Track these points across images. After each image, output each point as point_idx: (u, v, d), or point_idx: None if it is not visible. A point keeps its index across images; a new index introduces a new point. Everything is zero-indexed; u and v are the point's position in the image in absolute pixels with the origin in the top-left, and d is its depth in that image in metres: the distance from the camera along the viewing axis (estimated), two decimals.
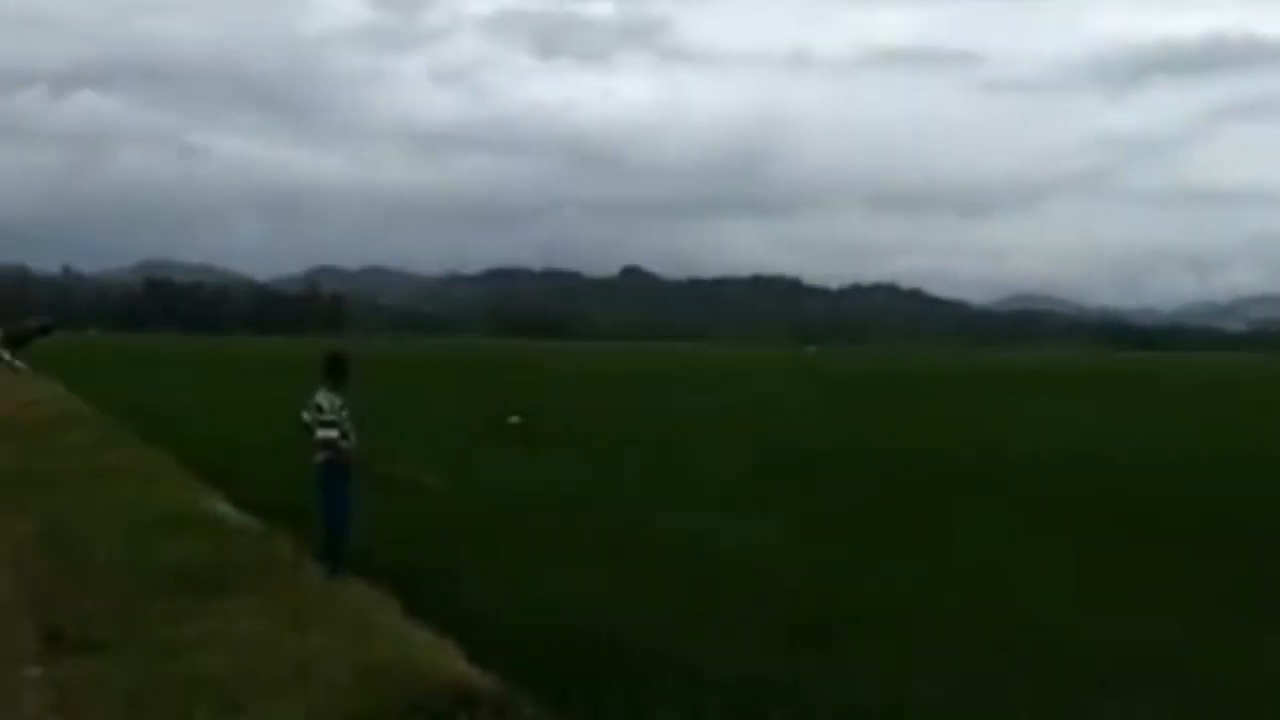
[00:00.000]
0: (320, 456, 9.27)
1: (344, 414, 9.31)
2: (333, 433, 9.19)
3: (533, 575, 8.75)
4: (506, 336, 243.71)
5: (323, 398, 9.32)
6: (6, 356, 30.72)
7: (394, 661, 6.12)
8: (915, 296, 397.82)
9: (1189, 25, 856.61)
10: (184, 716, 5.65)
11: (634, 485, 14.29)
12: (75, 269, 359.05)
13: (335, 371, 9.50)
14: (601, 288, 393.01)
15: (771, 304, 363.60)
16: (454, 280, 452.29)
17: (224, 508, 11.90)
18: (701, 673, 6.55)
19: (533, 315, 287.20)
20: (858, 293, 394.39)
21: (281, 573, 8.78)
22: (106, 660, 6.75)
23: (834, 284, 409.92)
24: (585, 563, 9.40)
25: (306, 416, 9.50)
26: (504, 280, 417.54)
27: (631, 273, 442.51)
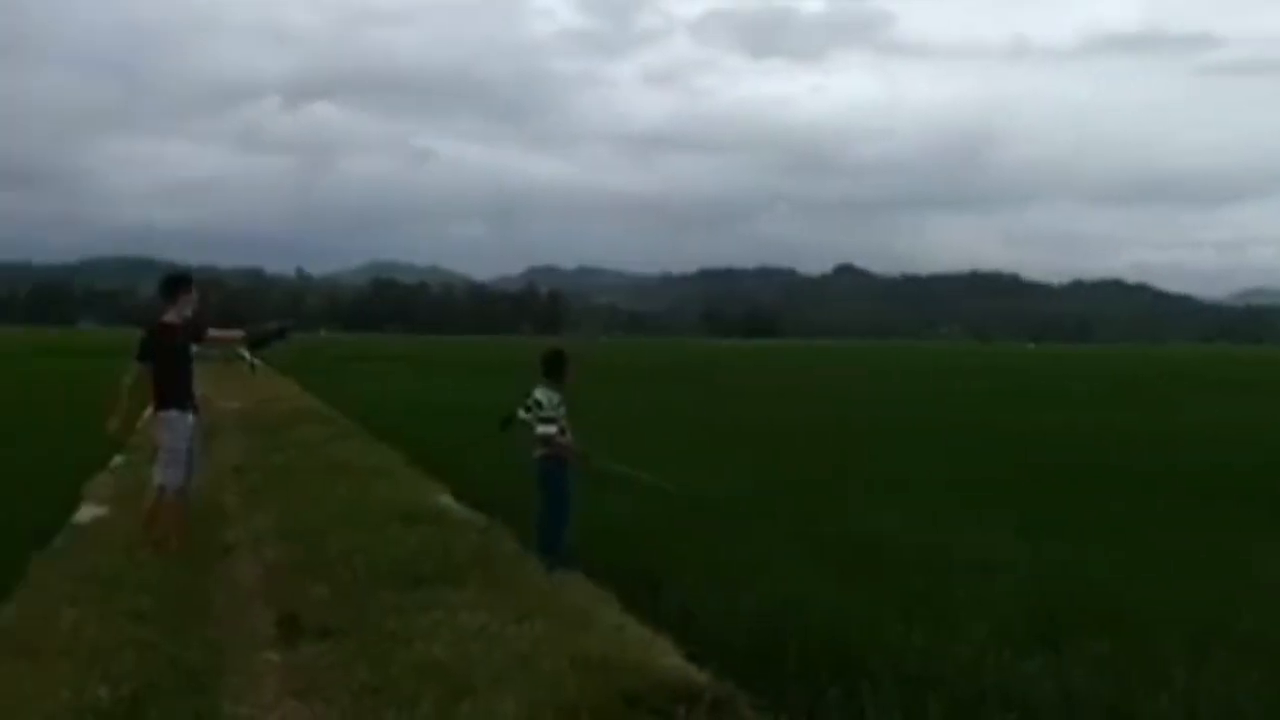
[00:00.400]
0: (539, 452, 9.47)
1: (561, 411, 9.49)
2: (551, 429, 9.37)
3: (753, 574, 8.68)
4: (719, 336, 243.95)
5: (541, 394, 9.51)
6: (248, 357, 32.36)
7: (612, 655, 6.16)
8: (1142, 291, 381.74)
9: None
10: (412, 702, 5.81)
11: (859, 484, 14.05)
12: (307, 271, 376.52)
13: (553, 369, 9.69)
14: (815, 286, 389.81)
15: (989, 301, 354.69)
16: (667, 280, 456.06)
17: (448, 501, 12.23)
18: (924, 673, 6.40)
19: (746, 314, 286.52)
20: (1081, 288, 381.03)
21: (503, 566, 8.95)
22: (339, 647, 7.01)
23: (1055, 280, 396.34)
24: (807, 562, 9.28)
25: (522, 412, 9.71)
26: (717, 279, 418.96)
27: (845, 270, 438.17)
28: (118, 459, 15.44)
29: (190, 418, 9.45)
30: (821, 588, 8.28)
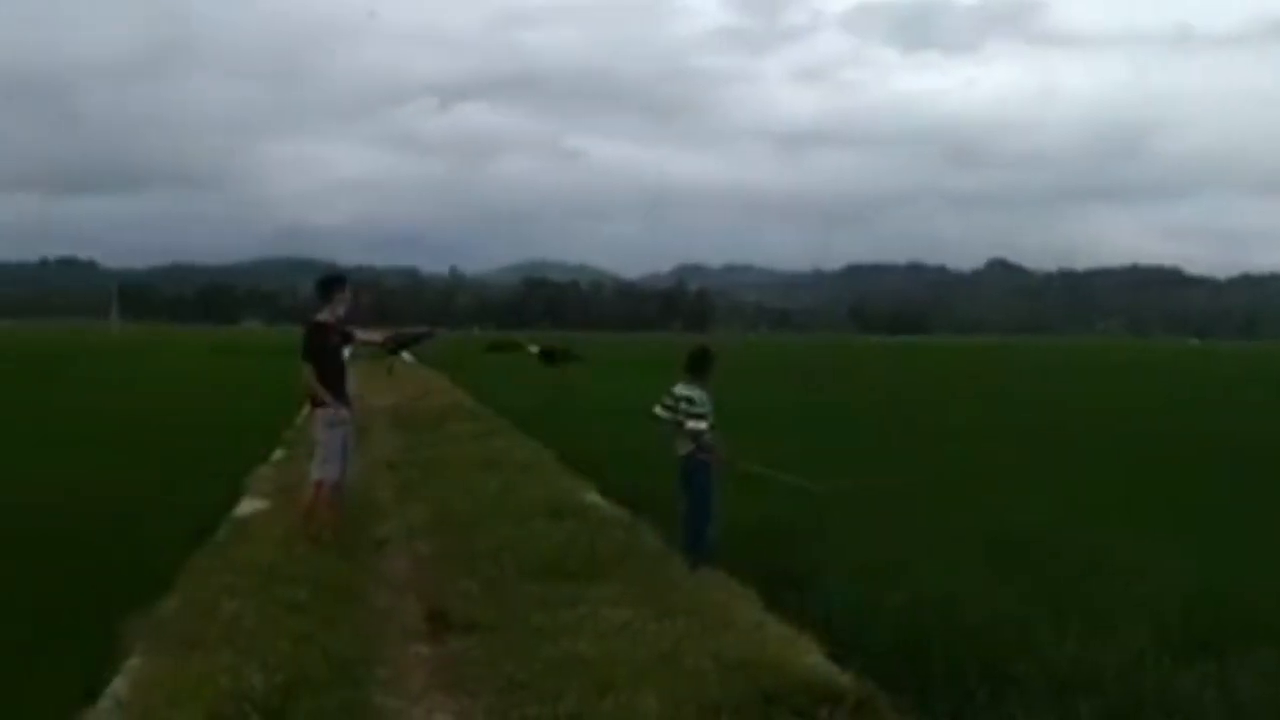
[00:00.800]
0: (686, 448, 9.44)
1: (709, 408, 9.46)
2: (703, 424, 9.33)
3: (898, 572, 8.54)
4: (867, 333, 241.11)
5: (689, 390, 9.49)
6: (403, 356, 33.34)
7: (753, 654, 6.15)
8: None
9: None
10: (555, 697, 5.88)
11: (1009, 482, 13.75)
12: (460, 270, 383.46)
13: (699, 366, 9.66)
14: (967, 282, 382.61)
15: (1149, 295, 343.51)
16: (816, 276, 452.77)
17: (594, 497, 12.33)
18: (1076, 678, 6.24)
19: (896, 310, 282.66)
20: (1247, 283, 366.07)
21: (647, 563, 8.99)
22: (486, 641, 7.13)
23: (1220, 274, 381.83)
24: (955, 560, 9.08)
25: (659, 409, 9.71)
26: (866, 275, 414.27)
27: (998, 265, 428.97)
28: (278, 453, 15.93)
29: (345, 414, 9.68)
30: (969, 587, 8.12)
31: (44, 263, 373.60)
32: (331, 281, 9.98)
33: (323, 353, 9.65)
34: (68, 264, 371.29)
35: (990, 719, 5.95)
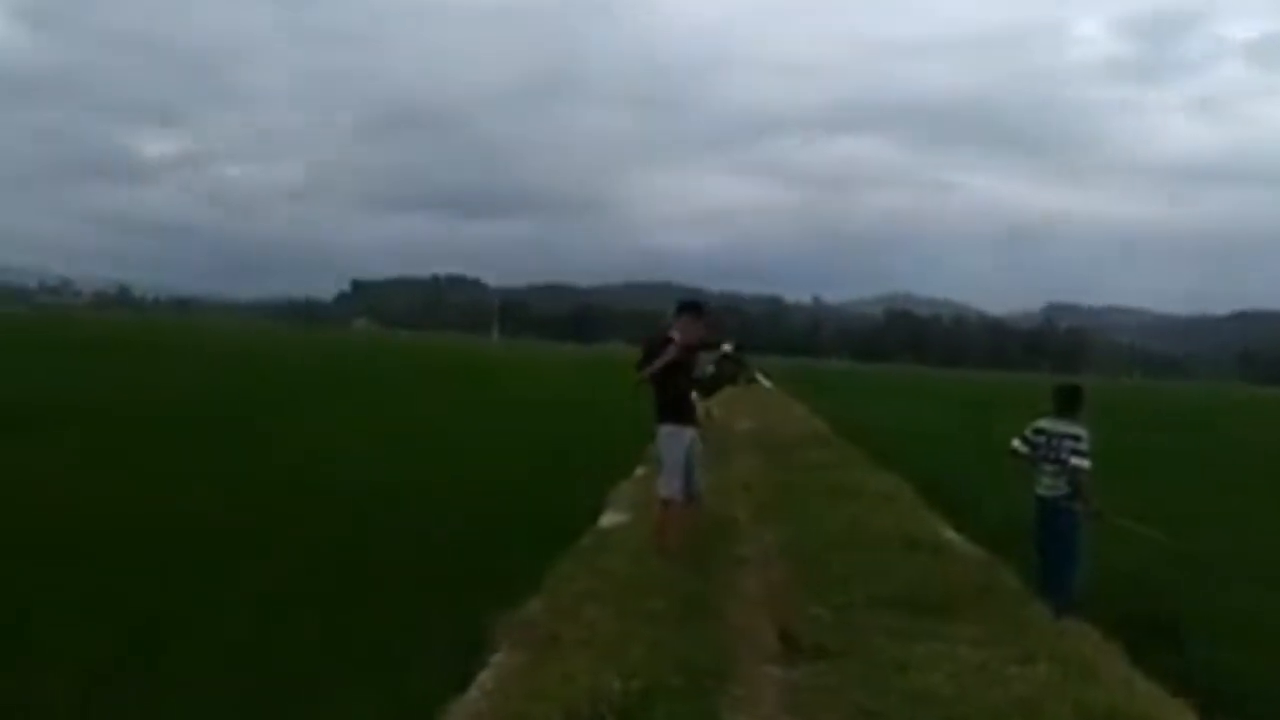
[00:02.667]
0: (1054, 490, 9.04)
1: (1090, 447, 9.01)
2: (1087, 463, 8.91)
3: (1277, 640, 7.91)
4: (1258, 383, 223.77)
5: (1066, 426, 9.09)
6: (763, 381, 33.62)
7: (1120, 708, 5.84)
8: None
9: None
10: None
11: None
12: (823, 299, 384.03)
13: (1071, 402, 9.24)
14: None
15: None
16: (1199, 320, 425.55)
17: (950, 534, 12.05)
18: None
19: None
20: None
21: (1005, 604, 8.69)
22: (836, 668, 7.07)
23: None
24: None
25: (1016, 443, 9.35)
26: (1256, 321, 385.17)
27: None
28: (640, 469, 16.41)
29: (688, 432, 9.83)
30: None
31: (435, 279, 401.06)
32: (685, 305, 10.17)
33: (667, 370, 9.80)
34: (457, 281, 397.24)
35: None
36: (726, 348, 28.18)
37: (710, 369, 14.94)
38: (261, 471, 13.53)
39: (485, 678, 6.55)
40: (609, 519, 12.07)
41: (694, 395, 10.53)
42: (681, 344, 9.81)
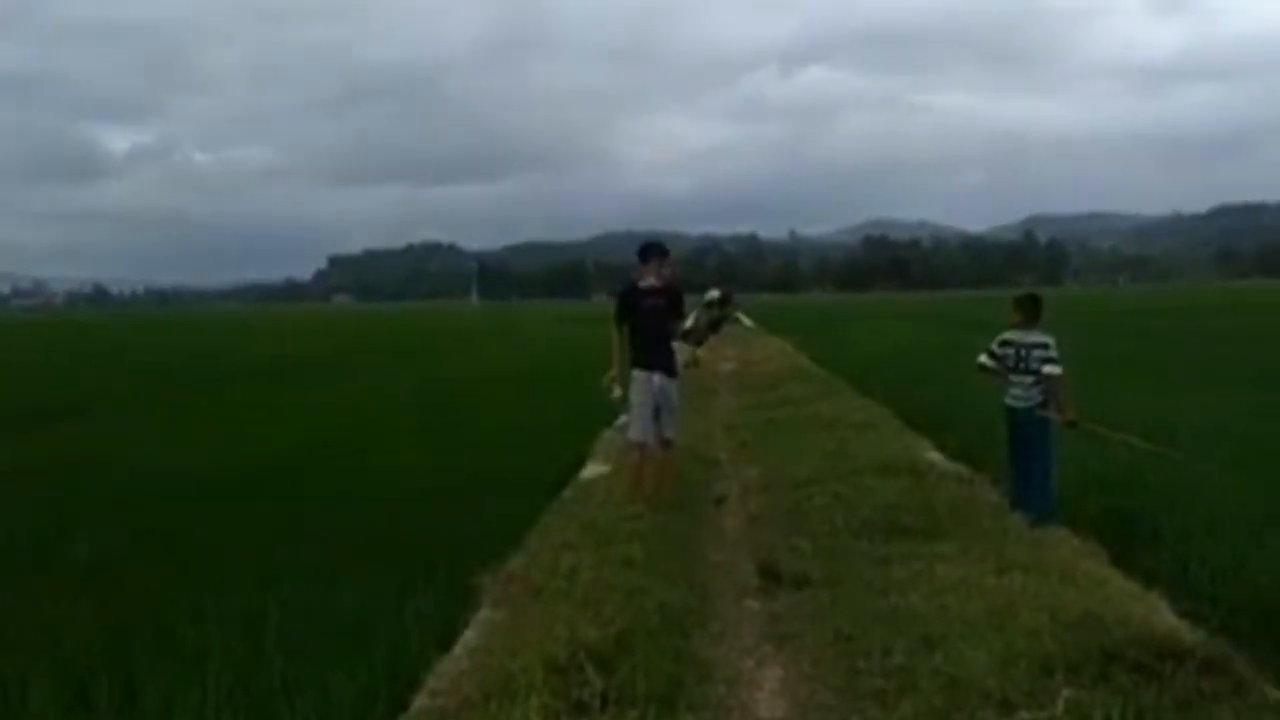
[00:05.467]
0: (1025, 400, 9.07)
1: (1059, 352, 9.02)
2: (1058, 369, 8.94)
3: (1263, 527, 7.94)
4: (1236, 277, 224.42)
5: (1040, 336, 9.09)
6: (744, 320, 33.68)
7: (1094, 610, 5.86)
8: None
9: None
10: (884, 651, 5.83)
11: None
12: (800, 234, 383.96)
13: (1032, 308, 9.23)
14: None
15: None
16: (1177, 220, 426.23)
17: (931, 454, 12.09)
18: None
19: (1267, 253, 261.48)
20: None
21: (984, 519, 8.75)
22: (816, 597, 7.13)
23: None
24: None
25: (984, 358, 9.39)
26: (1234, 216, 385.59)
27: None
28: (622, 418, 16.40)
29: (655, 377, 9.81)
30: None
31: (409, 248, 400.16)
32: (646, 249, 10.14)
33: (634, 316, 9.83)
34: (432, 248, 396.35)
35: None
36: (714, 293, 28.27)
37: (699, 318, 14.92)
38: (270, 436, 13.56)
39: (469, 635, 6.59)
40: (590, 470, 12.09)
41: (677, 343, 10.53)
42: (664, 286, 9.85)
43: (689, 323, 11.38)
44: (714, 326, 26.85)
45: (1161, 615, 6.11)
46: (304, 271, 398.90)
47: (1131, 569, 7.30)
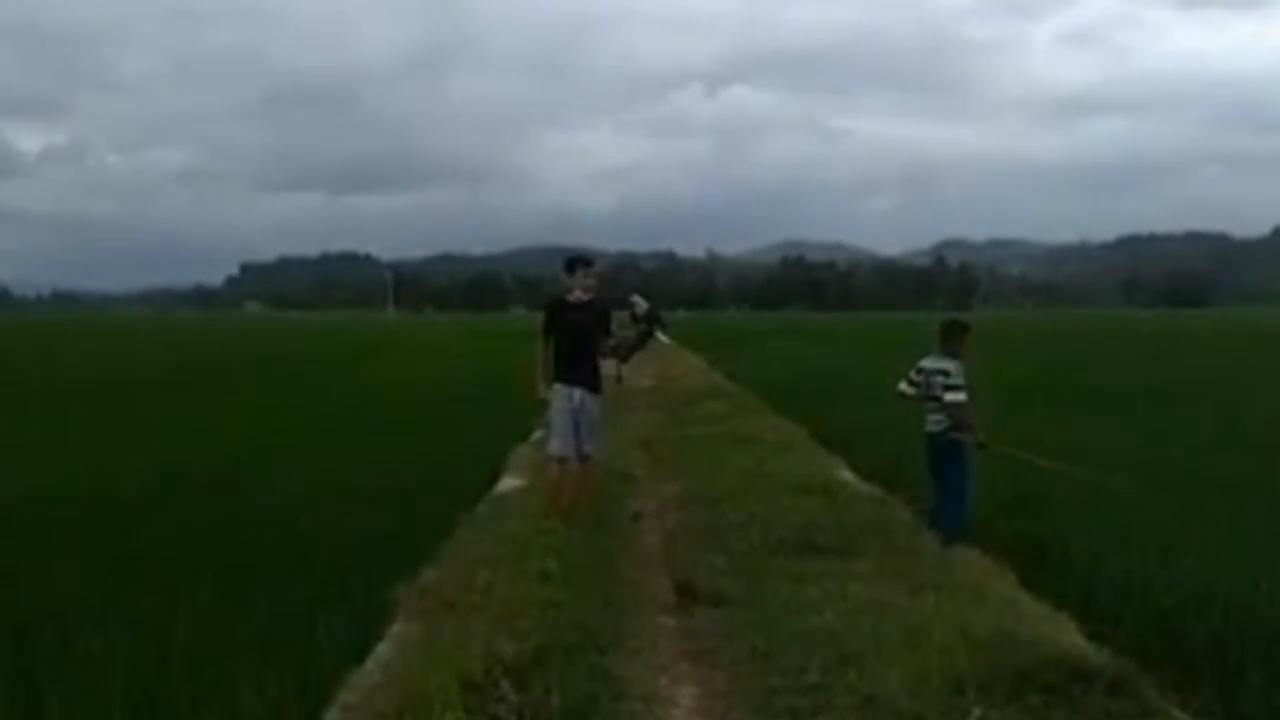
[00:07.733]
0: (939, 425, 9.24)
1: (966, 381, 9.21)
2: (962, 396, 9.11)
3: (1167, 549, 8.08)
4: (1141, 306, 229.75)
5: (941, 363, 9.28)
6: (662, 337, 33.89)
7: (1005, 630, 5.96)
8: None
9: None
10: (800, 669, 5.86)
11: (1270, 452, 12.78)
12: (717, 252, 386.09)
13: (951, 336, 9.42)
14: (1250, 250, 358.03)
15: None
16: (1084, 249, 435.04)
17: (845, 475, 12.21)
18: None
19: (1171, 282, 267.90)
20: None
21: (898, 539, 8.85)
22: (732, 614, 7.14)
23: None
24: (1232, 535, 8.48)
25: (904, 386, 9.55)
26: (1139, 246, 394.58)
27: None
28: (538, 433, 16.36)
29: (576, 393, 9.77)
30: (1247, 564, 7.56)
31: (325, 256, 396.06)
32: (573, 261, 10.15)
33: (559, 330, 9.83)
34: (348, 258, 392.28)
35: (1266, 706, 5.62)
36: (637, 299, 28.31)
37: (627, 333, 14.89)
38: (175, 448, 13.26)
39: (383, 649, 6.51)
40: (506, 484, 12.03)
41: (604, 360, 10.53)
42: (591, 301, 9.89)
43: (613, 341, 11.36)
44: (641, 342, 26.92)
45: (1071, 636, 6.22)
46: (215, 277, 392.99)
47: (1041, 590, 7.42)
